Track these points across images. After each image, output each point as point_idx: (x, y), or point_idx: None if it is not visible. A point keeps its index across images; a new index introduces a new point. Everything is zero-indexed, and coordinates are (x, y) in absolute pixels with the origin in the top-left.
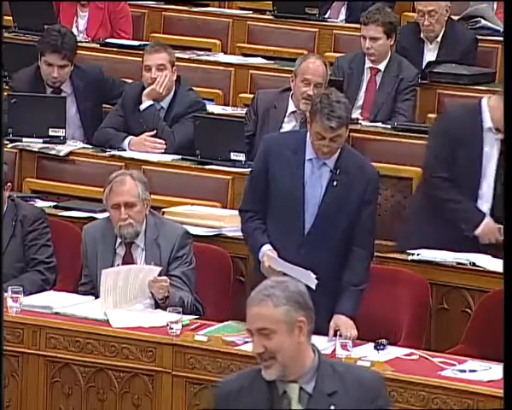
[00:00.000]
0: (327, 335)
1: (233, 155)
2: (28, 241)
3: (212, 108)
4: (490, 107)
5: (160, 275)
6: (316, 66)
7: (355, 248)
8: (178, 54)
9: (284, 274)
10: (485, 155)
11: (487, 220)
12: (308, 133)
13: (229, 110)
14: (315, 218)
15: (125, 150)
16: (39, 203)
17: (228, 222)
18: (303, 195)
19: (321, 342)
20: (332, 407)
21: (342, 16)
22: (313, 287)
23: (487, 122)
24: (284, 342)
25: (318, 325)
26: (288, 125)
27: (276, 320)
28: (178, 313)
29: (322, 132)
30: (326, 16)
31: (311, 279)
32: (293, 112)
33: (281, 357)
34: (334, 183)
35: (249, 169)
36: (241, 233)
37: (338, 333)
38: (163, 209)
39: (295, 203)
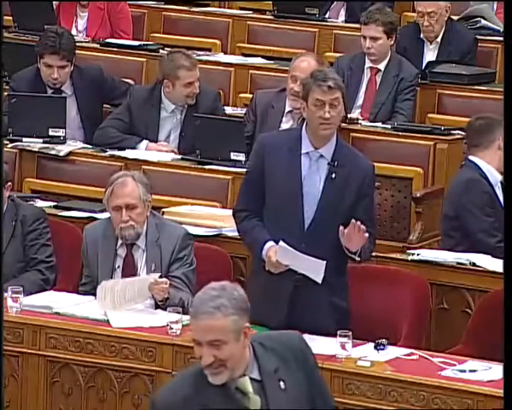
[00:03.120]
0: (328, 334)
1: (233, 155)
2: (28, 241)
3: None
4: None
5: (160, 277)
6: (305, 64)
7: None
8: None
9: (290, 270)
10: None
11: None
12: (304, 128)
13: (229, 110)
14: (315, 212)
15: (123, 149)
16: (39, 203)
17: (228, 222)
18: (301, 189)
19: (322, 342)
20: (281, 384)
21: (342, 17)
22: (319, 281)
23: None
24: (233, 349)
25: (320, 322)
26: (285, 125)
27: (227, 331)
28: (178, 313)
29: (321, 96)
30: (326, 17)
31: (319, 272)
32: (290, 111)
33: (230, 363)
34: (333, 175)
35: None
36: None
37: (338, 333)
38: (163, 209)
39: (293, 198)
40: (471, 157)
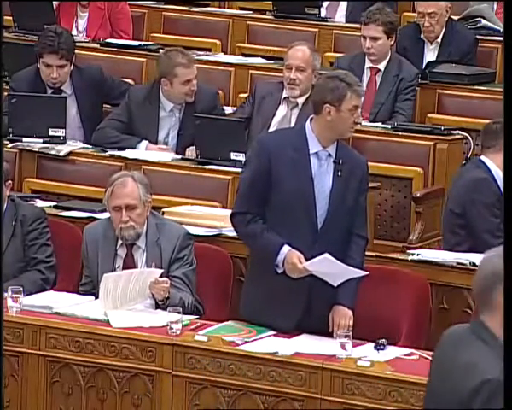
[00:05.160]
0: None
1: (233, 155)
2: (28, 240)
3: None
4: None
5: (161, 277)
6: (295, 50)
7: (355, 237)
8: None
9: (312, 275)
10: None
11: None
12: (308, 127)
13: (229, 110)
14: (327, 211)
15: (123, 149)
16: (39, 203)
17: (228, 222)
18: (313, 189)
19: (322, 342)
20: None
21: (340, 16)
22: (335, 285)
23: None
24: None
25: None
26: (281, 113)
27: None
28: (178, 313)
29: (358, 102)
30: (322, 16)
31: (343, 278)
32: (286, 98)
33: None
34: (339, 173)
35: None
36: None
37: (338, 333)
38: (163, 209)
39: (306, 199)
40: (482, 157)
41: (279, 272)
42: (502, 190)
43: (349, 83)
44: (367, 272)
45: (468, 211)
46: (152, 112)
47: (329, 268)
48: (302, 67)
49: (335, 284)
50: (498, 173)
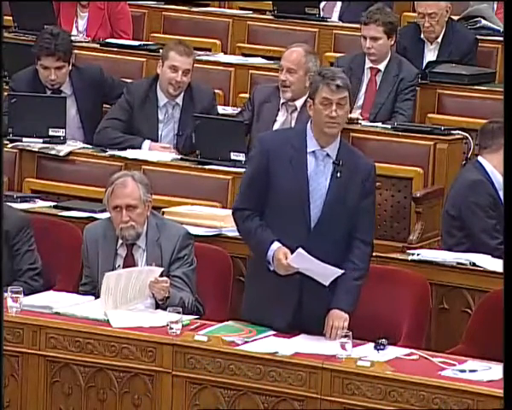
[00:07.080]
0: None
1: (233, 155)
2: (13, 251)
3: None
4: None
5: (161, 276)
6: (289, 52)
7: (357, 241)
8: None
9: (298, 272)
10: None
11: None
12: (308, 127)
13: (229, 110)
14: (321, 210)
15: (125, 150)
16: (39, 203)
17: (228, 222)
18: (307, 188)
19: (322, 342)
20: None
21: (336, 14)
22: (326, 284)
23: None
24: None
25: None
26: (281, 118)
27: None
28: (178, 313)
29: (328, 95)
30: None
31: (329, 278)
32: (284, 103)
33: None
34: (338, 174)
35: None
36: None
37: (329, 336)
38: (163, 209)
39: (300, 198)
40: (479, 158)
41: (271, 269)
42: (498, 190)
43: (324, 76)
44: (342, 271)
45: (463, 213)
46: (151, 108)
47: (307, 264)
48: (293, 68)
49: (326, 284)
50: (495, 174)
